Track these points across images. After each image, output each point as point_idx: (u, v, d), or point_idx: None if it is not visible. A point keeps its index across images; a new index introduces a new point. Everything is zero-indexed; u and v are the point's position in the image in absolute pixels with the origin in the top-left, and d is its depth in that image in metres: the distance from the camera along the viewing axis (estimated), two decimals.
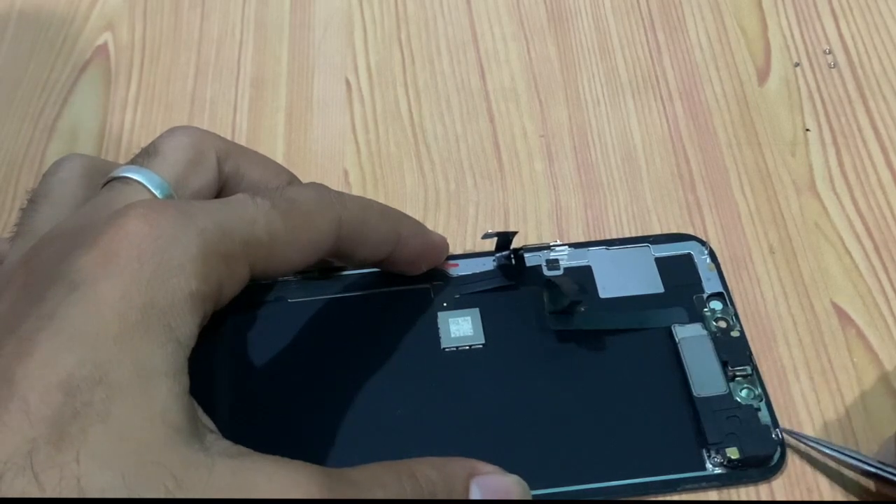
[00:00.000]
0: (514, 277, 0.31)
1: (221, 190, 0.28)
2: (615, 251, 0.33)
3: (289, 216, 0.24)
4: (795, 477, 0.28)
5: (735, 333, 0.30)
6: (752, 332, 0.31)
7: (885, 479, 0.27)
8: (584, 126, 0.37)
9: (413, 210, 0.35)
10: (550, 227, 0.34)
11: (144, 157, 0.27)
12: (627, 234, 0.34)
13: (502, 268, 0.32)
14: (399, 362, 0.29)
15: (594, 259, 0.32)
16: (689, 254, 0.32)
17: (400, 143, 0.37)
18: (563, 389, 0.29)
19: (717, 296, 0.31)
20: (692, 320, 0.30)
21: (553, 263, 0.32)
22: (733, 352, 0.30)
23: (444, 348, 0.30)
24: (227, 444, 0.21)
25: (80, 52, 0.40)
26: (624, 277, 0.32)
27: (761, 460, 0.28)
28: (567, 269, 0.32)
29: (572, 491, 0.27)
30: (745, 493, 0.28)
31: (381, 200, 0.35)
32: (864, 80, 0.38)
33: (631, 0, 0.42)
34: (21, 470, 0.18)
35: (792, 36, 0.40)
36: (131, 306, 0.20)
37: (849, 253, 0.33)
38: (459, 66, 0.40)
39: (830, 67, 0.39)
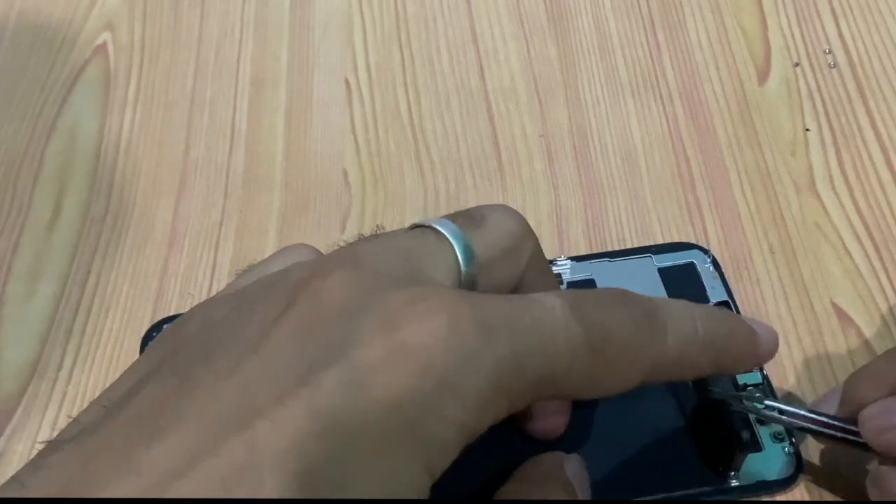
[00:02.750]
0: None
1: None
2: (618, 263, 0.32)
3: (599, 355, 0.21)
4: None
5: None
6: None
7: (825, 430, 0.26)
8: (584, 126, 0.37)
9: (413, 210, 0.35)
10: (550, 228, 0.34)
11: (467, 220, 0.24)
12: (627, 235, 0.34)
13: None
14: None
15: (597, 272, 0.32)
16: (692, 263, 0.32)
17: (400, 143, 0.37)
18: (580, 408, 0.29)
19: (723, 304, 0.31)
20: None
21: (556, 278, 0.32)
22: None
23: None
24: None
25: (79, 51, 0.40)
26: (628, 289, 0.31)
27: (781, 481, 0.27)
28: (570, 284, 0.32)
29: None
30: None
31: (381, 201, 0.35)
32: (864, 80, 0.38)
33: (631, 0, 0.42)
34: None
35: (792, 36, 0.40)
36: (399, 417, 0.18)
37: (849, 253, 0.33)
38: (459, 65, 0.40)
39: (830, 67, 0.39)
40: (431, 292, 0.20)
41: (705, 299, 0.31)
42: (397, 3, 0.42)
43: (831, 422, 0.26)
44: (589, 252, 0.33)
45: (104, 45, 0.41)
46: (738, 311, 0.31)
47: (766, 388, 0.29)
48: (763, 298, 0.32)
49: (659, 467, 0.27)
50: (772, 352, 0.26)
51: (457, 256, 0.23)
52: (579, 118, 0.38)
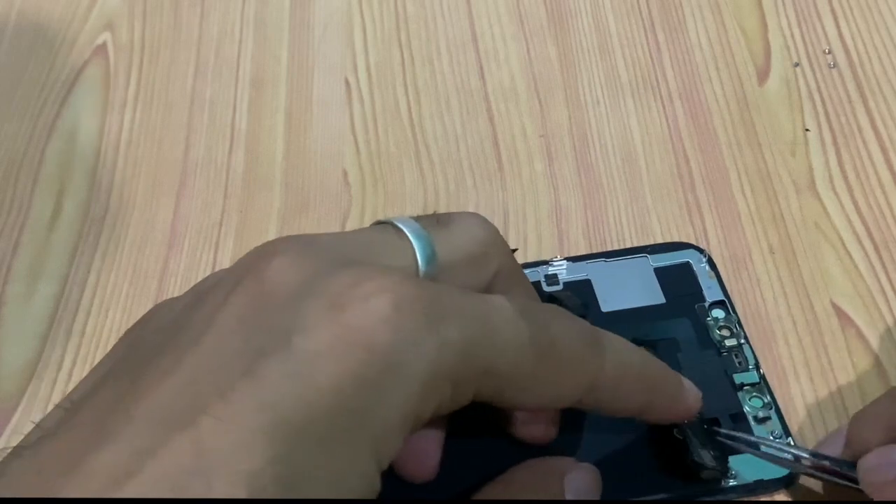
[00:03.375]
0: None
1: None
2: (613, 263, 0.32)
3: (543, 358, 0.21)
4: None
5: (740, 341, 0.30)
6: (752, 333, 0.31)
7: (826, 475, 0.26)
8: (583, 126, 0.37)
9: (413, 210, 0.35)
10: (550, 228, 0.34)
11: (432, 221, 0.24)
12: (627, 235, 0.34)
13: None
14: None
15: (593, 272, 0.32)
16: (688, 262, 0.32)
17: (399, 144, 0.37)
18: (574, 410, 0.29)
19: (719, 304, 0.31)
20: (696, 330, 0.30)
21: (552, 278, 0.32)
22: (739, 362, 0.29)
23: None
24: None
25: (79, 51, 0.40)
26: (624, 290, 0.31)
27: (779, 480, 0.27)
28: (566, 284, 0.31)
29: None
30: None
31: (381, 201, 0.35)
32: (864, 80, 0.38)
33: (631, 0, 0.42)
34: None
35: (792, 36, 0.40)
36: (344, 408, 0.18)
37: (849, 253, 0.33)
38: (459, 66, 0.40)
39: (830, 67, 0.39)
40: (378, 273, 0.20)
41: (702, 299, 0.31)
42: (397, 3, 0.42)
43: (833, 468, 0.26)
44: (589, 252, 0.33)
45: (104, 45, 0.41)
46: (736, 315, 0.31)
47: (763, 385, 0.29)
48: (763, 298, 0.32)
49: (654, 468, 0.27)
50: (694, 409, 0.26)
51: (416, 255, 0.22)
52: (579, 118, 0.38)
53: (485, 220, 0.25)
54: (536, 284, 0.31)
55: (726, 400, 0.29)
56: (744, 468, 0.27)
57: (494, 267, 0.24)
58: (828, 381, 0.30)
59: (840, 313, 0.32)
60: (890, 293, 0.32)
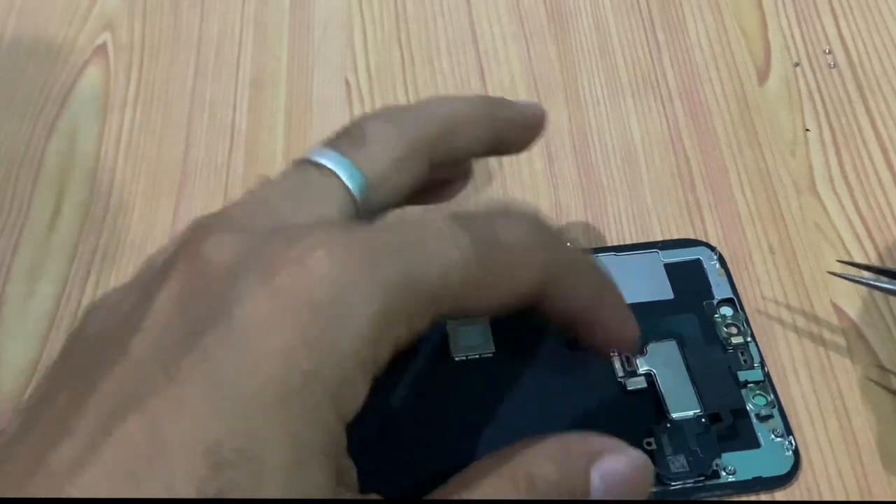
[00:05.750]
0: None
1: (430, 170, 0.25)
2: (624, 257, 0.32)
3: (489, 261, 0.21)
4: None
5: (746, 339, 0.30)
6: (752, 333, 0.31)
7: None
8: (584, 126, 0.37)
9: (413, 210, 0.35)
10: None
11: (347, 141, 0.23)
12: (627, 235, 0.34)
13: None
14: (410, 373, 0.29)
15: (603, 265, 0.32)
16: (699, 259, 0.32)
17: None
18: (576, 398, 0.29)
19: (727, 301, 0.31)
20: (703, 327, 0.30)
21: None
22: (744, 360, 0.30)
23: (455, 357, 0.29)
24: None
25: (79, 51, 0.40)
26: (633, 284, 0.31)
27: (778, 478, 0.28)
28: None
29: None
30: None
31: None
32: (864, 80, 0.38)
33: (631, 0, 0.42)
34: None
35: (792, 36, 0.40)
36: (294, 368, 0.18)
37: (849, 253, 0.33)
38: (459, 66, 0.40)
39: (830, 67, 0.39)
40: (307, 232, 0.20)
41: (710, 296, 0.31)
42: (397, 4, 0.42)
43: None
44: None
45: (104, 45, 0.41)
46: (744, 313, 0.31)
47: (767, 383, 0.29)
48: (763, 298, 0.32)
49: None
50: (634, 334, 0.25)
51: (346, 186, 0.22)
52: (579, 118, 0.38)
53: (392, 118, 0.24)
54: None
55: (729, 396, 0.29)
56: (742, 465, 0.27)
57: (424, 151, 0.24)
58: (828, 381, 0.30)
59: (840, 313, 0.32)
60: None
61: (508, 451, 0.22)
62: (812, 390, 0.30)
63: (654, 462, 0.27)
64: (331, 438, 0.19)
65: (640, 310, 0.30)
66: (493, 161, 0.36)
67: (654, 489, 0.27)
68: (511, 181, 0.35)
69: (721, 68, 0.39)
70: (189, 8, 0.42)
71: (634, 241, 0.33)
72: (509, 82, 0.39)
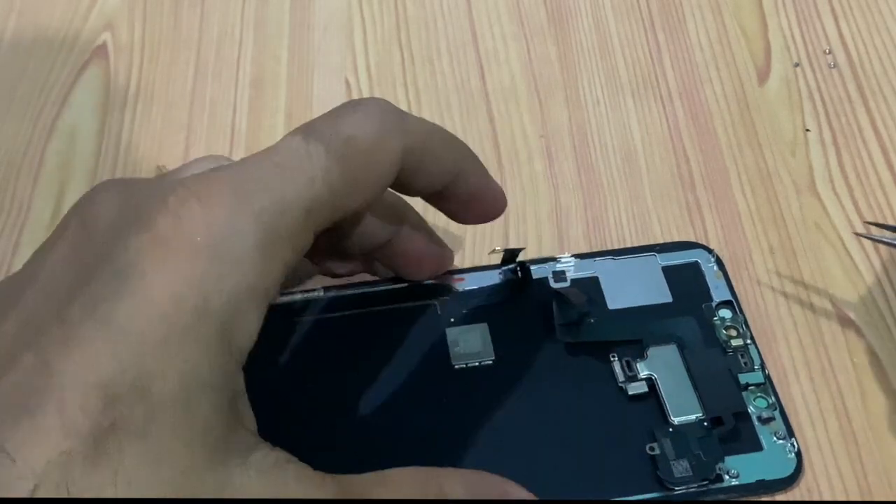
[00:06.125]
0: (521, 290, 0.31)
1: None
2: (622, 261, 0.32)
3: (347, 160, 0.22)
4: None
5: (746, 342, 0.30)
6: (752, 333, 0.31)
7: None
8: (584, 126, 0.37)
9: None
10: (550, 228, 0.34)
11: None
12: (627, 235, 0.34)
13: (509, 281, 0.32)
14: (410, 380, 0.29)
15: (601, 270, 0.32)
16: (696, 262, 0.32)
17: None
18: (577, 404, 0.29)
19: (726, 304, 0.31)
20: (702, 330, 0.30)
21: (560, 275, 0.32)
22: (744, 362, 0.30)
23: (455, 365, 0.29)
24: (265, 456, 0.20)
25: (79, 51, 0.40)
26: (631, 287, 0.31)
27: (781, 480, 0.28)
28: (574, 281, 0.32)
29: None
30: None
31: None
32: (864, 80, 0.38)
33: (631, 0, 0.42)
34: (56, 486, 0.17)
35: (792, 36, 0.40)
36: (182, 307, 0.19)
37: (849, 253, 0.33)
38: (459, 66, 0.40)
39: (830, 67, 0.39)
40: (178, 182, 0.21)
41: (709, 298, 0.31)
42: (397, 4, 0.42)
43: None
44: (590, 251, 0.33)
45: (104, 45, 0.41)
46: (743, 315, 0.31)
47: (769, 386, 0.29)
48: (763, 298, 0.32)
49: (648, 466, 0.27)
50: (502, 199, 0.28)
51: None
52: (579, 118, 0.38)
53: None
54: (544, 281, 0.32)
55: (731, 399, 0.29)
56: (745, 468, 0.27)
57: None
58: (828, 381, 0.30)
59: (840, 313, 0.32)
60: (890, 293, 0.32)
61: (436, 468, 0.23)
62: (812, 391, 0.30)
63: (657, 467, 0.27)
64: (221, 372, 0.19)
65: (639, 313, 0.30)
66: (492, 162, 0.36)
67: (657, 494, 0.27)
68: (511, 181, 0.35)
69: (721, 68, 0.39)
70: (189, 8, 0.42)
71: (634, 242, 0.33)
72: (509, 82, 0.39)
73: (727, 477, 0.27)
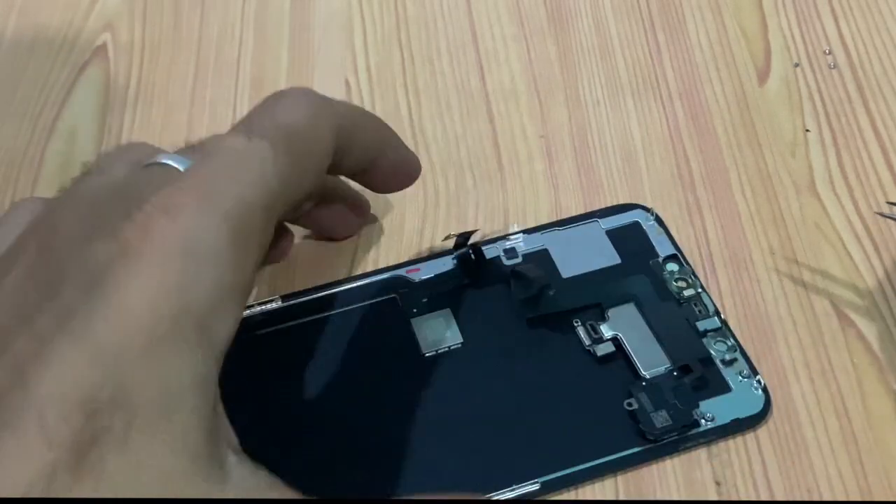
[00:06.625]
0: (476, 272, 0.32)
1: None
2: (567, 230, 0.33)
3: (290, 150, 0.23)
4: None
5: (697, 290, 0.31)
6: (752, 333, 0.31)
7: None
8: (584, 126, 0.37)
9: (413, 210, 0.35)
10: None
11: (191, 153, 0.25)
12: None
13: (463, 264, 0.32)
14: (384, 375, 0.29)
15: (549, 242, 0.33)
16: (637, 221, 0.33)
17: None
18: (550, 373, 0.29)
19: (672, 258, 0.32)
20: (654, 285, 0.31)
21: (510, 252, 0.32)
22: (699, 310, 0.31)
23: (425, 354, 0.30)
24: (244, 466, 0.20)
25: (79, 52, 0.40)
26: (581, 255, 0.32)
27: (753, 417, 0.29)
28: (525, 256, 0.32)
29: (568, 474, 0.27)
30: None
31: (381, 201, 0.35)
32: (864, 81, 0.38)
33: (631, 0, 0.42)
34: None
35: (792, 36, 0.40)
36: (160, 317, 0.19)
37: (849, 253, 0.33)
38: (459, 66, 0.40)
39: (830, 68, 0.39)
40: (138, 199, 0.21)
41: (655, 254, 0.32)
42: (397, 4, 0.42)
43: None
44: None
45: (104, 45, 0.41)
46: (689, 266, 0.32)
47: (726, 329, 0.30)
48: (763, 298, 0.32)
49: (627, 423, 0.28)
50: (417, 166, 0.30)
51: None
52: (579, 118, 0.38)
53: (235, 140, 0.24)
54: (497, 259, 0.32)
55: (693, 346, 0.30)
56: (718, 410, 0.28)
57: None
58: (828, 381, 0.30)
59: (840, 313, 0.32)
60: (890, 293, 0.32)
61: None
62: (812, 391, 0.30)
63: (638, 421, 0.28)
64: (199, 371, 0.19)
65: (593, 278, 0.32)
66: (492, 162, 0.36)
67: (641, 448, 0.28)
68: (511, 181, 0.35)
69: (721, 68, 0.39)
70: (189, 8, 0.42)
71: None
72: (509, 82, 0.39)
73: (703, 421, 0.28)
